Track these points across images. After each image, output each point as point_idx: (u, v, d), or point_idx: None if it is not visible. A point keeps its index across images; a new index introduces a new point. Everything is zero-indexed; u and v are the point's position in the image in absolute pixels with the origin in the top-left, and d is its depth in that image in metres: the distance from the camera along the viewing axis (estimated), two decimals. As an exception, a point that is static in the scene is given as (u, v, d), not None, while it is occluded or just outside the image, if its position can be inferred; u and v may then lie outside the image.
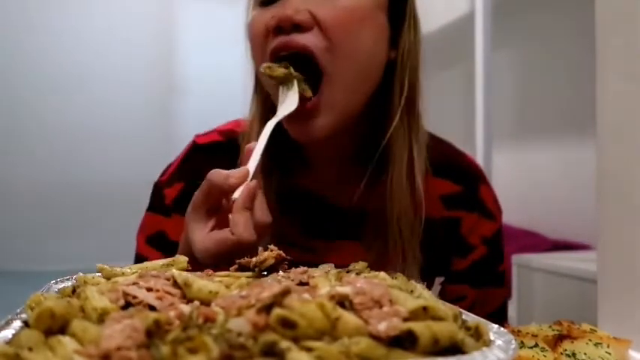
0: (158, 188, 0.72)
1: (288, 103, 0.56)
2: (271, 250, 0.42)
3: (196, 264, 0.49)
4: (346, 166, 0.67)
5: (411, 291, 0.36)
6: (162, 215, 0.71)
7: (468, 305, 0.69)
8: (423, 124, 0.65)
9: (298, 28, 0.55)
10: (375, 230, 0.63)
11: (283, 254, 0.43)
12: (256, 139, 0.57)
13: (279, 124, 0.58)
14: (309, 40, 0.55)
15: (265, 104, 0.65)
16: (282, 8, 0.56)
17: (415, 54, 0.62)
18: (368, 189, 0.64)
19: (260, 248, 0.43)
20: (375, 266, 0.54)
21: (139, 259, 0.70)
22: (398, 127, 0.61)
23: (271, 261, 0.42)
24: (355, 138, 0.65)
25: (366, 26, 0.58)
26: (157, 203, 0.72)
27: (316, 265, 0.66)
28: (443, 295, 0.68)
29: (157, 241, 0.70)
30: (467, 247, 0.69)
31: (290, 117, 0.57)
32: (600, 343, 0.48)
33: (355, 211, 0.66)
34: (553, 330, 0.53)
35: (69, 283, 0.41)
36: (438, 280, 0.69)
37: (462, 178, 0.70)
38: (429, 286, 0.68)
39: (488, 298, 0.71)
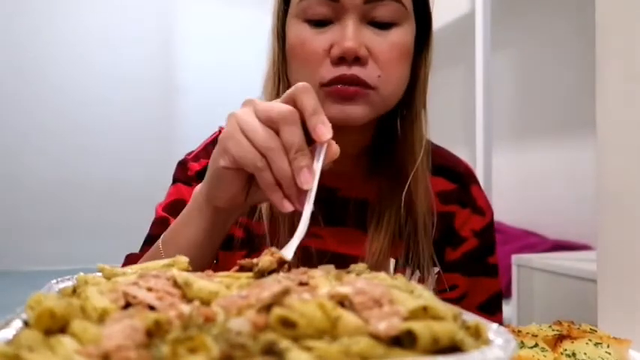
0: (183, 162, 0.76)
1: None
2: (272, 254, 0.43)
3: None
4: (355, 163, 0.74)
5: (411, 291, 0.36)
6: (184, 184, 0.74)
7: (460, 294, 0.76)
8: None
9: (358, 60, 0.62)
10: (381, 221, 0.70)
11: (284, 257, 0.43)
12: None
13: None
14: (368, 75, 0.63)
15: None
16: (341, 37, 0.62)
17: (428, 77, 0.71)
18: (375, 184, 0.72)
19: (265, 251, 0.43)
20: (377, 254, 0.68)
21: (158, 222, 0.71)
22: (421, 138, 0.70)
23: (274, 266, 0.42)
24: (367, 138, 0.73)
25: (407, 59, 0.67)
26: (181, 175, 0.75)
27: (323, 250, 0.72)
28: (438, 284, 0.75)
29: (175, 208, 0.71)
30: (459, 239, 0.76)
31: (333, 99, 0.63)
32: (600, 343, 0.48)
33: (361, 202, 0.73)
34: (553, 330, 0.53)
35: (69, 283, 0.41)
36: (434, 270, 0.75)
37: (456, 178, 0.78)
38: (425, 276, 0.75)
39: (478, 288, 0.76)
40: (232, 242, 0.73)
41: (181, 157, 0.81)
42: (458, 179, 0.78)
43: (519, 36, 2.38)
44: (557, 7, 2.15)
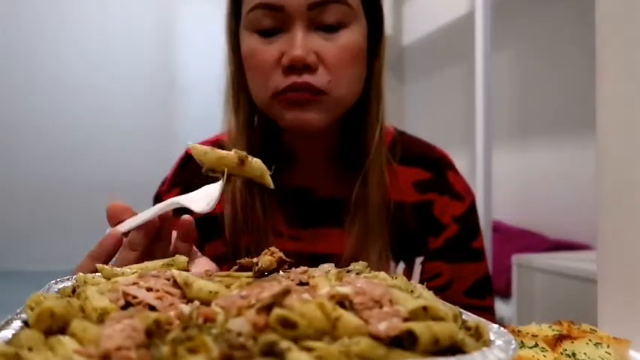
0: (158, 196, 0.78)
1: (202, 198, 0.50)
2: (272, 254, 0.43)
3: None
4: (327, 162, 0.75)
5: (411, 291, 0.36)
6: None
7: (446, 281, 0.75)
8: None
9: (307, 68, 0.64)
10: (354, 216, 0.71)
11: (284, 257, 0.43)
12: (245, 148, 0.64)
13: (269, 122, 0.70)
14: (318, 80, 0.64)
15: (251, 115, 0.72)
16: (290, 46, 0.64)
17: (383, 70, 0.72)
18: (347, 181, 0.73)
19: (265, 251, 0.43)
20: (356, 248, 0.68)
21: None
22: (374, 128, 0.71)
23: (274, 265, 0.42)
24: (335, 137, 0.74)
25: (359, 59, 0.68)
26: None
27: (304, 252, 0.72)
28: (422, 274, 0.75)
29: None
30: (440, 226, 0.76)
31: (288, 106, 0.65)
32: (600, 343, 0.48)
33: (336, 201, 0.74)
34: (553, 330, 0.53)
35: (69, 283, 0.41)
36: (418, 260, 0.76)
37: (431, 166, 0.78)
38: (410, 267, 0.75)
39: (464, 274, 0.76)
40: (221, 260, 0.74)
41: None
42: (432, 166, 0.77)
43: (519, 36, 2.38)
44: (557, 7, 2.15)
